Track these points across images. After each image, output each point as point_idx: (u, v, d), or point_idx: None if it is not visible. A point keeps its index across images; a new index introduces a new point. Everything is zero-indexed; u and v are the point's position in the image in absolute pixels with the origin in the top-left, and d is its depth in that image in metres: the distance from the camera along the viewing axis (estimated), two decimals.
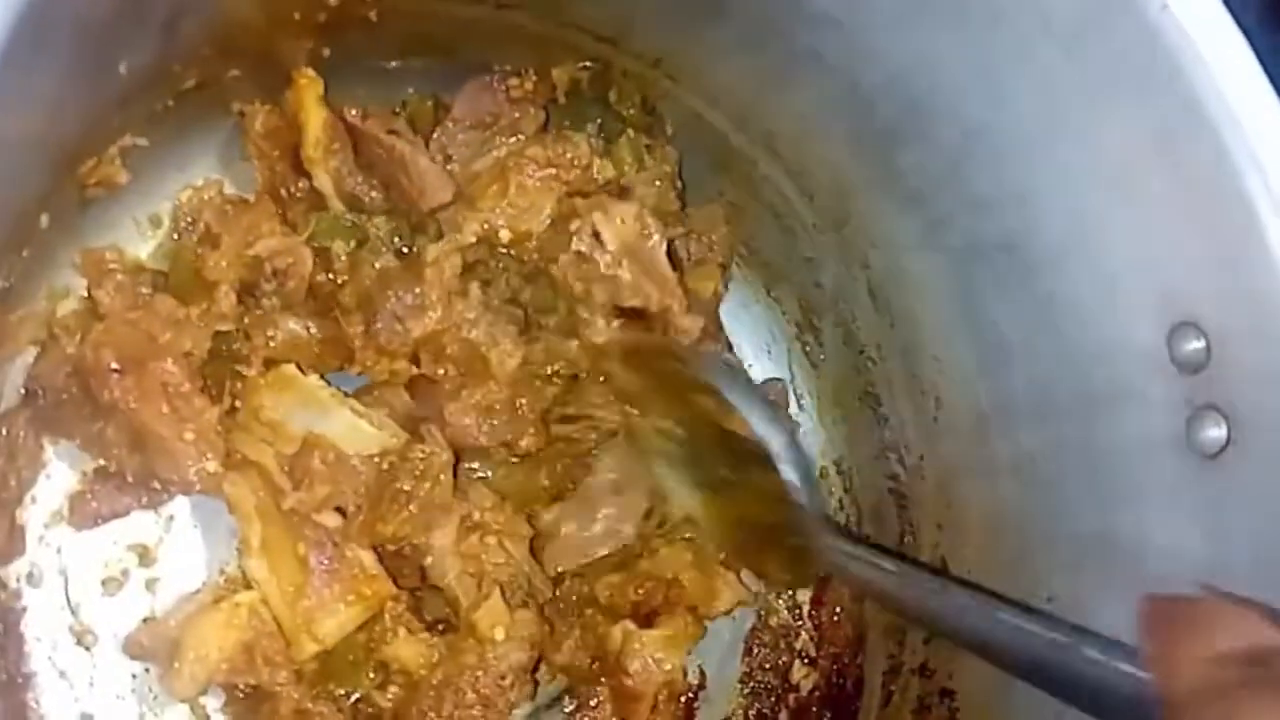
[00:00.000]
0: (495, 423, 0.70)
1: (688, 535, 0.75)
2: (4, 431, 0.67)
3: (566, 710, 0.76)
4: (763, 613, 0.82)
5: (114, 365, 0.64)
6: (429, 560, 0.69)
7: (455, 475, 0.69)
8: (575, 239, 0.69)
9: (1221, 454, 0.50)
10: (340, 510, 0.68)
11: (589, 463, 0.75)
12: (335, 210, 0.71)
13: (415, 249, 0.71)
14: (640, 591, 0.72)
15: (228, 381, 0.68)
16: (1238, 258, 0.47)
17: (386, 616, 0.68)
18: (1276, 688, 0.38)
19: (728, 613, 0.75)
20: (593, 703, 0.74)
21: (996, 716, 0.66)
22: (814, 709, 0.80)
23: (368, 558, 0.67)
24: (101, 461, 0.69)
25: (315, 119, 0.68)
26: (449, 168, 0.72)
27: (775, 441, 0.63)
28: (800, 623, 0.82)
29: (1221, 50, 0.47)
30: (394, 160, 0.69)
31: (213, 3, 0.59)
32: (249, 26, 0.63)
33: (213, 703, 0.70)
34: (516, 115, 0.74)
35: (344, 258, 0.70)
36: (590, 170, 0.72)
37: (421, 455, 0.67)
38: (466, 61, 0.73)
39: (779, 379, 0.83)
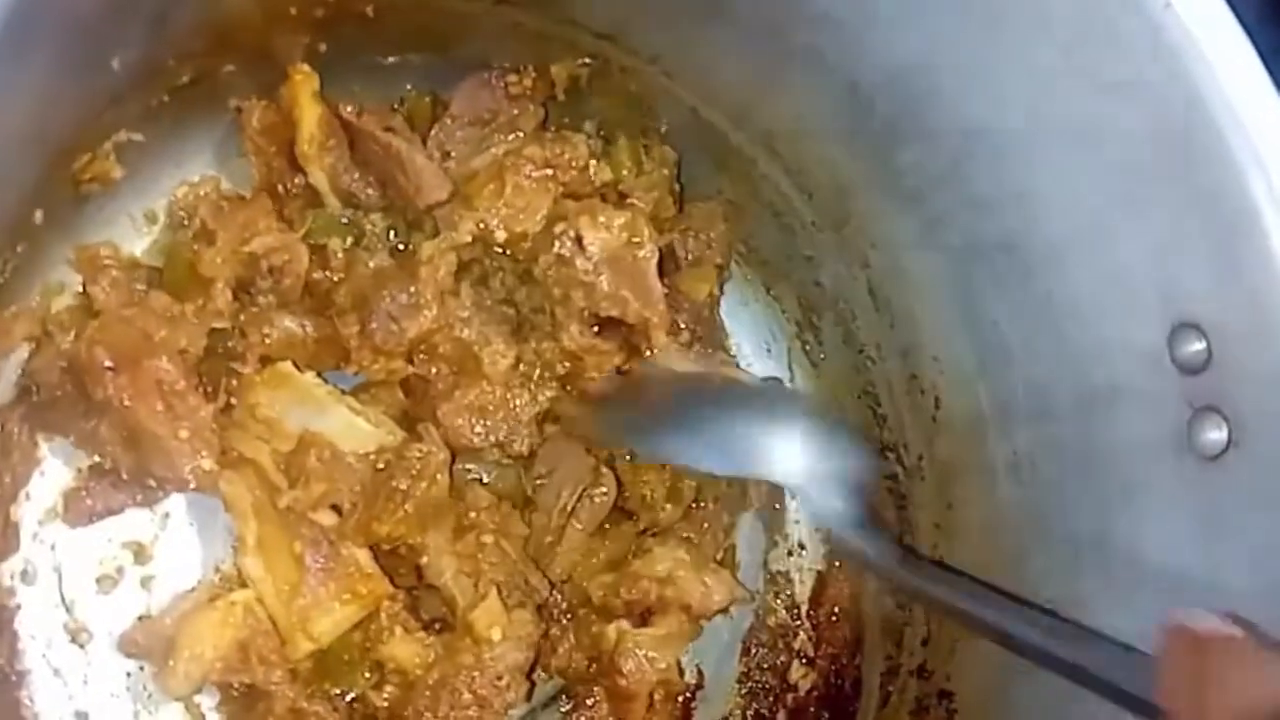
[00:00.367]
0: (488, 424, 0.70)
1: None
2: None
3: (563, 710, 0.76)
4: (760, 613, 0.82)
5: (108, 363, 0.64)
6: (425, 559, 0.69)
7: (451, 475, 0.69)
8: (558, 241, 0.69)
9: (1222, 456, 0.49)
10: (336, 509, 0.68)
11: None
12: (331, 207, 0.71)
13: (411, 247, 0.71)
14: (633, 591, 0.72)
15: (223, 379, 0.68)
16: (1239, 258, 0.47)
17: (383, 615, 0.67)
18: None
19: (722, 611, 0.75)
20: (589, 702, 0.74)
21: (994, 717, 0.66)
22: (812, 709, 0.80)
23: (363, 556, 0.67)
24: (96, 458, 0.69)
25: (310, 115, 0.68)
26: (447, 164, 0.72)
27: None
28: (798, 623, 0.82)
29: (1224, 49, 0.47)
30: (390, 157, 0.69)
31: None
32: (243, 21, 0.63)
33: (208, 701, 0.69)
34: (515, 112, 0.74)
35: (340, 255, 0.70)
36: (588, 172, 0.72)
37: (419, 455, 0.67)
38: (465, 58, 0.73)
39: (778, 378, 0.82)
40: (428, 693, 0.67)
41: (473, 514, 0.70)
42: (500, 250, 0.71)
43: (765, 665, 0.81)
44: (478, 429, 0.70)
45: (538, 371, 0.72)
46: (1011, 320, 0.62)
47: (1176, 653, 0.41)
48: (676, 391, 0.71)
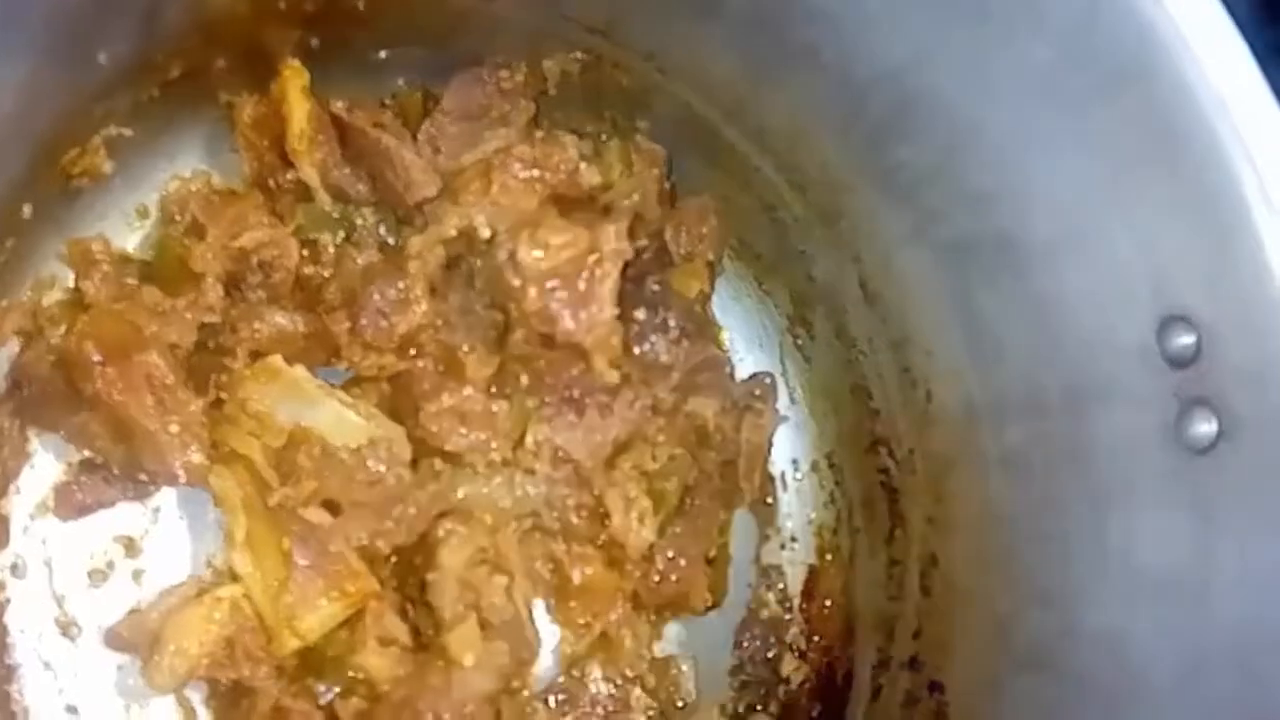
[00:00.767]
0: (466, 430, 0.69)
1: None
2: None
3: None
4: (752, 606, 0.81)
5: (97, 357, 0.64)
6: (432, 576, 0.69)
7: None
8: (499, 250, 0.67)
9: (1212, 449, 0.49)
10: (329, 506, 0.68)
11: None
12: (322, 202, 0.71)
13: (400, 242, 0.71)
14: None
15: (214, 374, 0.68)
16: (1229, 252, 0.47)
17: (368, 616, 0.67)
18: None
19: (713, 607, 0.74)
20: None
21: (985, 710, 0.66)
22: (803, 701, 0.80)
23: (352, 555, 0.67)
24: (87, 453, 0.69)
25: (299, 111, 0.68)
26: (438, 159, 0.71)
27: None
28: (790, 616, 0.81)
29: (1217, 47, 0.46)
30: (379, 153, 0.69)
31: None
32: (233, 16, 0.62)
33: (197, 696, 0.69)
34: (507, 108, 0.73)
35: (331, 250, 0.70)
36: (576, 175, 0.71)
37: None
38: (456, 53, 0.73)
39: (769, 372, 0.83)
40: (391, 712, 0.67)
41: (488, 547, 0.69)
42: (485, 248, 0.71)
43: (757, 658, 0.81)
44: (459, 432, 0.69)
45: (522, 380, 0.71)
46: (1003, 315, 0.62)
47: None
48: None
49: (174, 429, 0.65)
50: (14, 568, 0.68)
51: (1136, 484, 0.54)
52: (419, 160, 0.69)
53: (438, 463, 0.70)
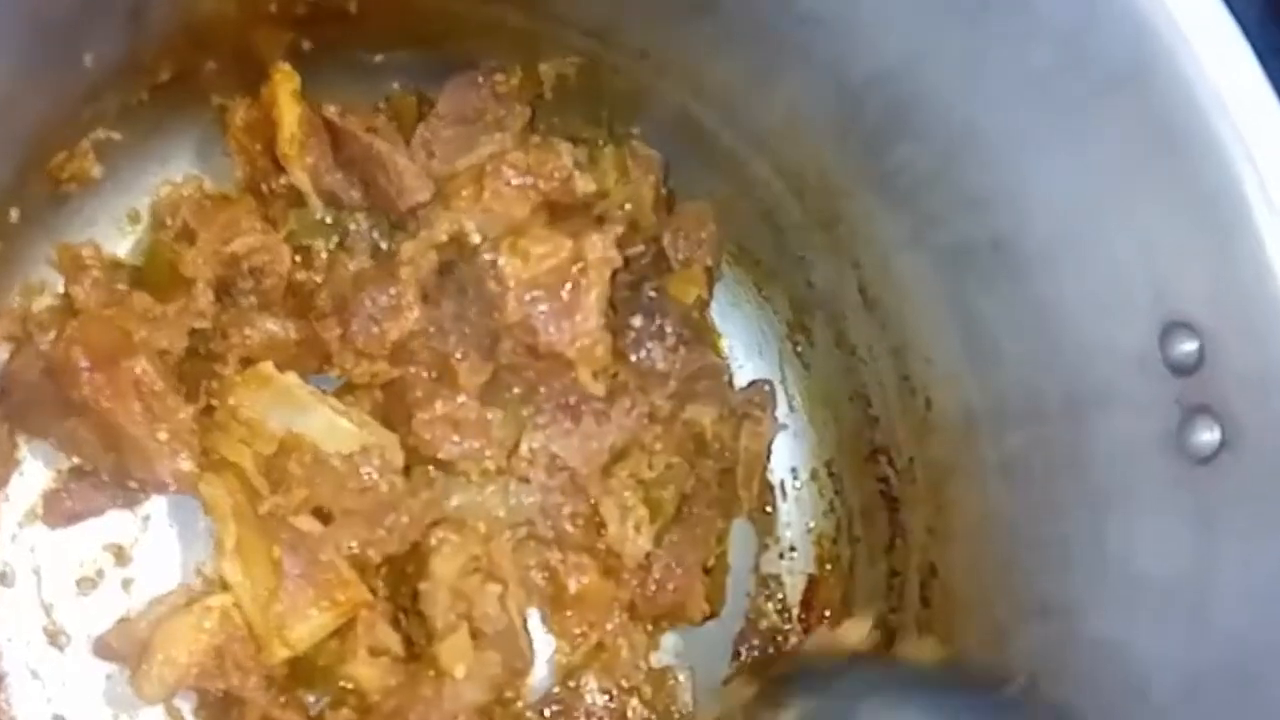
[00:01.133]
0: (459, 438, 0.69)
1: None
2: None
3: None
4: (751, 615, 0.81)
5: (85, 363, 0.63)
6: (424, 585, 0.68)
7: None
8: (482, 256, 0.67)
9: (1214, 457, 0.49)
10: (320, 514, 0.67)
11: None
12: (314, 207, 0.70)
13: (393, 248, 0.70)
14: None
15: (204, 381, 0.68)
16: (1232, 258, 0.47)
17: (359, 626, 0.67)
18: None
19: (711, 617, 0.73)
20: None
21: None
22: None
23: (343, 563, 0.66)
24: (76, 460, 0.68)
25: (290, 115, 0.68)
26: (432, 163, 0.71)
27: None
28: (790, 626, 0.81)
29: (1220, 49, 0.46)
30: (372, 158, 0.68)
31: None
32: (222, 18, 0.62)
33: (186, 705, 0.69)
34: (502, 112, 0.73)
35: (324, 256, 0.69)
36: (570, 182, 0.70)
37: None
38: (451, 56, 0.72)
39: (768, 380, 0.82)
40: None
41: (481, 556, 0.69)
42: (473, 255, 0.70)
43: None
44: (452, 440, 0.68)
45: (516, 388, 0.70)
46: (1002, 320, 0.61)
47: None
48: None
49: (163, 436, 0.64)
50: (2, 575, 0.68)
51: (1137, 492, 0.54)
52: (412, 165, 0.69)
53: (431, 471, 0.70)
